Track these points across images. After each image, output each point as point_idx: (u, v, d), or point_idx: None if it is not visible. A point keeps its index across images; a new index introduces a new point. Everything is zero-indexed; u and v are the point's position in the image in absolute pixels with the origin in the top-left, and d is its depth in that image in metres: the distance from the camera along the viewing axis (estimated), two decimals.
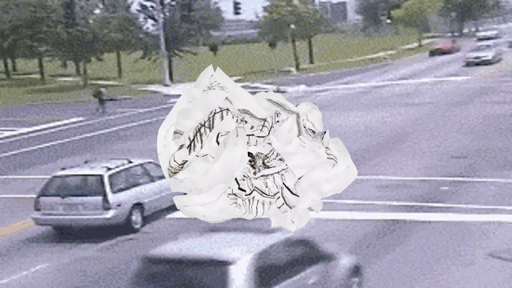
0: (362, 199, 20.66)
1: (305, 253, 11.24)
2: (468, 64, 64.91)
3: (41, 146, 37.57)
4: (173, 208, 21.46)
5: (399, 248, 15.92)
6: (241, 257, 10.13)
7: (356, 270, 12.69)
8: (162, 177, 20.34)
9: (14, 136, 42.80)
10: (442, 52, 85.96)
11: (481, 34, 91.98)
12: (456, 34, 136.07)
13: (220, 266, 9.95)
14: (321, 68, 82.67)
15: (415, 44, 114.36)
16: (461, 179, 22.12)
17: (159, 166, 19.05)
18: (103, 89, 53.18)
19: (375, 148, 28.45)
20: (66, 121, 47.82)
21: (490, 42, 71.05)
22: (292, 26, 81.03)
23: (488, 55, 64.56)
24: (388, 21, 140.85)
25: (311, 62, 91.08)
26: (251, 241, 10.63)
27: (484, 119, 33.68)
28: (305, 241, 11.46)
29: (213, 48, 67.91)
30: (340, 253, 12.63)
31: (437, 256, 15.16)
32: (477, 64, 63.99)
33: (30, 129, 44.80)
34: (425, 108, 39.31)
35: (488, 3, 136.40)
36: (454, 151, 26.54)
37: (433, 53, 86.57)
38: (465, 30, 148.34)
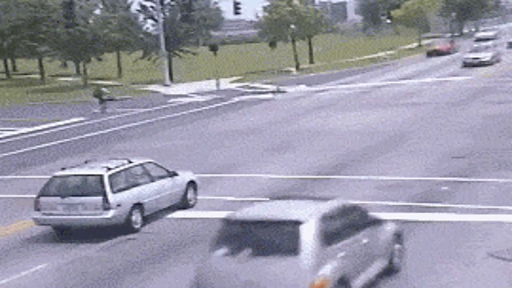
0: (362, 199, 20.67)
1: (356, 218, 13.11)
2: (466, 65, 64.60)
3: (41, 146, 37.58)
4: (173, 208, 21.48)
5: None
6: (308, 219, 11.85)
7: (398, 236, 14.40)
8: (162, 177, 20.35)
9: (14, 136, 42.82)
10: (440, 53, 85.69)
11: (479, 34, 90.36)
12: (456, 34, 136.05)
13: (292, 226, 11.80)
14: (321, 68, 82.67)
15: (415, 44, 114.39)
16: (461, 179, 22.12)
17: (159, 166, 19.07)
18: (104, 89, 53.01)
19: (375, 148, 28.46)
20: (66, 121, 47.83)
21: (489, 43, 70.52)
22: (292, 26, 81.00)
23: (487, 56, 63.97)
24: (388, 21, 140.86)
25: (311, 62, 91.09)
26: (313, 207, 12.42)
27: (484, 119, 33.69)
28: (356, 208, 13.28)
29: (213, 48, 67.80)
30: (386, 220, 14.34)
31: (437, 256, 15.17)
32: (475, 65, 63.73)
33: (30, 129, 44.82)
34: (425, 108, 39.33)
35: (488, 3, 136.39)
36: (454, 151, 26.55)
37: (431, 54, 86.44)
38: (465, 30, 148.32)
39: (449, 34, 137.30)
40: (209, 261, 12.16)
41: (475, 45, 68.45)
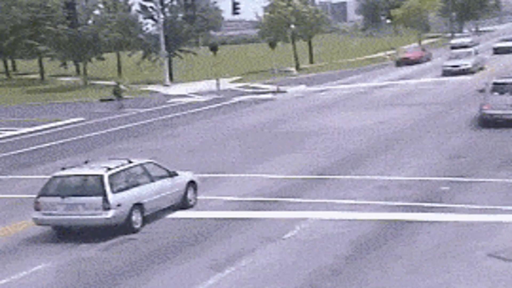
0: (362, 199, 20.67)
1: None
2: (446, 74, 58.84)
3: (41, 146, 37.58)
4: (173, 208, 21.48)
5: (399, 248, 15.93)
6: None
7: None
8: (162, 177, 20.35)
9: (14, 136, 42.82)
10: (410, 62, 75.73)
11: (454, 41, 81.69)
12: (456, 34, 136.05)
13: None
14: (321, 68, 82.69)
15: (415, 44, 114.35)
16: (461, 179, 22.13)
17: (159, 166, 19.09)
18: (122, 86, 53.14)
19: (375, 148, 28.46)
20: (66, 121, 47.83)
21: (467, 50, 62.82)
22: (292, 26, 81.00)
23: (468, 63, 58.20)
24: (388, 21, 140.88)
25: (311, 62, 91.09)
26: None
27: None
28: None
29: (213, 48, 67.83)
30: None
31: (437, 256, 15.17)
32: (456, 73, 58.24)
33: (30, 129, 44.82)
34: (425, 108, 39.32)
35: (488, 3, 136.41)
36: (454, 151, 26.55)
37: (400, 63, 76.44)
38: (465, 30, 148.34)
39: (449, 34, 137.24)
40: (489, 98, 30.14)
41: (453, 51, 62.05)
